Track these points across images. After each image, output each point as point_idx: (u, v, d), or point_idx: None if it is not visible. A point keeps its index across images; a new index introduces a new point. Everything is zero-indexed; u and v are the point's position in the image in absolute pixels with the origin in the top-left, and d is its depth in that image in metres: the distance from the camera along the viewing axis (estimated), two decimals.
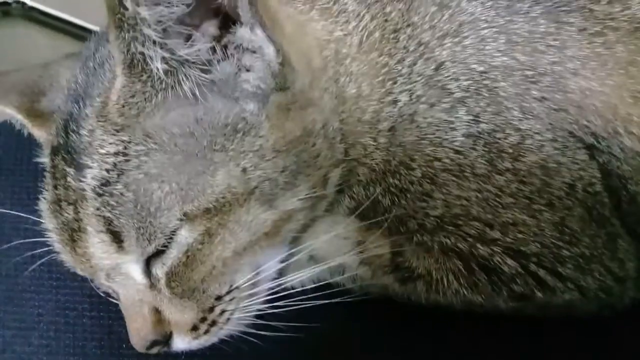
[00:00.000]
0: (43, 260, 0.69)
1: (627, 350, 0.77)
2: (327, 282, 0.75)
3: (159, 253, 0.63)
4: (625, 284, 0.73)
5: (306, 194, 0.67)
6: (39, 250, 0.69)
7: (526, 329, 0.75)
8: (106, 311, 0.73)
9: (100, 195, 0.61)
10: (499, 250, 0.69)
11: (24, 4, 2.12)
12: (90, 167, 0.61)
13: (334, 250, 0.74)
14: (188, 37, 0.59)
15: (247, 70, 0.62)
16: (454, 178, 0.69)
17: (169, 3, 0.54)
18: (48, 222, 0.67)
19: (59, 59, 0.75)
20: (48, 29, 1.91)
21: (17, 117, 0.73)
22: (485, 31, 0.70)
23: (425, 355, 0.75)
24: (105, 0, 0.52)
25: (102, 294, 0.72)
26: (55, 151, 0.66)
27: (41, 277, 0.75)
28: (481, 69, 0.69)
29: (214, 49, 0.61)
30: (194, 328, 0.66)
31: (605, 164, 0.70)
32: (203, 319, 0.65)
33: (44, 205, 0.67)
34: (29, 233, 0.70)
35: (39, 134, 0.72)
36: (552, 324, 0.75)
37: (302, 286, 0.74)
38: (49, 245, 0.68)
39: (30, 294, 0.75)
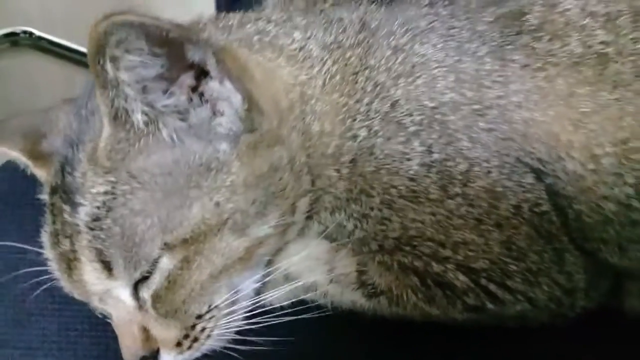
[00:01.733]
0: (46, 286, 0.74)
1: None
2: (301, 299, 0.78)
3: (144, 278, 0.68)
4: (575, 295, 0.76)
5: (276, 222, 0.71)
6: (42, 278, 0.73)
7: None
8: (104, 331, 0.76)
9: (92, 229, 0.66)
10: (451, 267, 0.73)
11: (31, 33, 2.18)
12: (83, 205, 0.67)
13: (307, 270, 0.78)
14: (166, 90, 0.65)
15: (221, 115, 0.67)
16: (409, 203, 0.73)
17: (145, 65, 0.60)
18: (48, 252, 0.72)
19: (58, 104, 0.80)
20: (56, 58, 1.97)
21: (21, 159, 0.78)
22: (436, 71, 0.74)
23: None
24: (90, 64, 0.58)
25: (100, 316, 0.75)
26: (53, 190, 0.71)
27: (45, 301, 0.79)
28: (432, 105, 0.73)
29: (190, 98, 0.66)
30: (178, 344, 0.70)
31: (551, 185, 0.73)
32: (186, 336, 0.70)
33: (44, 238, 0.73)
34: (33, 262, 0.74)
35: (40, 173, 0.77)
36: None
37: (279, 304, 0.78)
38: (50, 273, 0.72)
39: (35, 317, 0.79)
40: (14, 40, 2.22)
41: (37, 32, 2.18)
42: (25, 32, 2.20)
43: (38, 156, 0.78)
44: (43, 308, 0.80)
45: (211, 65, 0.63)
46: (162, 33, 0.59)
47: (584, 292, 0.77)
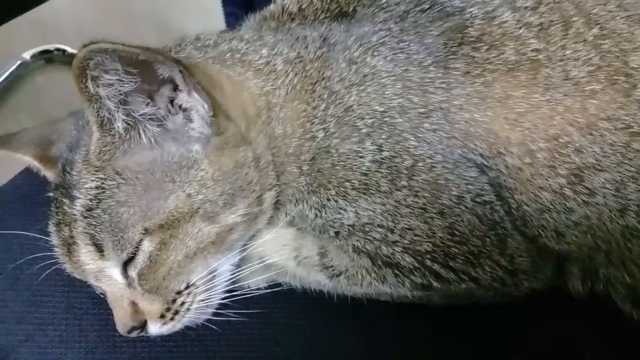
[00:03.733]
0: (51, 270, 0.82)
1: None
2: (276, 282, 0.88)
3: (130, 259, 0.76)
4: (518, 276, 0.82)
5: (244, 211, 0.78)
6: (50, 262, 0.82)
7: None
8: (105, 309, 0.82)
9: (85, 218, 0.75)
10: (399, 250, 0.80)
11: (64, 51, 2.28)
12: (79, 198, 0.76)
13: (277, 255, 0.86)
14: (146, 101, 0.74)
15: (192, 122, 0.76)
16: (362, 195, 0.79)
17: (121, 83, 0.69)
18: (53, 239, 0.81)
19: (65, 116, 0.89)
20: None
21: (34, 163, 0.88)
22: (385, 80, 0.80)
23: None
24: (75, 84, 0.68)
25: (101, 296, 0.83)
26: (56, 187, 0.81)
27: (55, 284, 0.87)
28: (382, 109, 0.79)
29: (169, 107, 0.75)
30: (162, 316, 0.78)
31: (494, 178, 0.79)
32: (168, 309, 0.78)
33: (51, 227, 0.82)
34: (45, 249, 0.82)
35: (49, 174, 0.86)
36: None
37: (256, 286, 0.88)
38: (56, 258, 0.82)
39: (47, 297, 0.86)
40: (48, 57, 2.33)
41: (69, 49, 2.30)
42: (58, 49, 2.31)
43: (47, 160, 0.87)
44: (53, 290, 0.87)
45: (179, 80, 0.72)
46: (132, 56, 0.68)
47: (529, 273, 0.83)
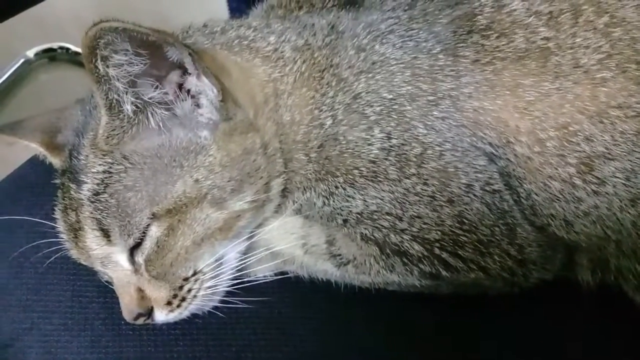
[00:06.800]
0: (59, 256, 0.82)
1: None
2: (283, 271, 0.87)
3: (137, 245, 0.75)
4: (527, 266, 0.82)
5: (252, 198, 0.78)
6: (55, 247, 0.81)
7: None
8: (110, 297, 0.83)
9: (92, 202, 0.74)
10: (407, 238, 0.79)
11: (68, 49, 2.30)
12: (86, 182, 0.75)
13: (284, 243, 0.85)
14: (155, 85, 0.73)
15: (201, 107, 0.76)
16: (370, 182, 0.79)
17: (131, 63, 0.69)
18: (60, 224, 0.81)
19: (71, 104, 0.89)
20: None
21: (40, 150, 0.87)
22: (394, 67, 0.80)
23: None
24: (85, 64, 0.67)
25: (106, 284, 0.82)
26: (63, 172, 0.81)
27: (61, 272, 0.86)
28: (390, 96, 0.79)
29: (177, 93, 0.75)
30: (169, 303, 0.77)
31: (504, 167, 0.79)
32: (175, 296, 0.77)
33: (57, 214, 0.82)
34: (51, 235, 0.82)
35: (56, 161, 0.86)
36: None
37: (263, 275, 0.87)
38: (62, 244, 0.82)
39: (52, 285, 0.86)
40: (51, 55, 2.34)
41: (73, 48, 2.31)
42: (62, 47, 2.32)
43: (54, 147, 0.87)
44: (59, 278, 0.87)
45: (188, 63, 0.72)
46: (142, 36, 0.68)
47: (538, 264, 0.83)
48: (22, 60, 2.30)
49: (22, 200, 0.97)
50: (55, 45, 2.35)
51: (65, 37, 2.32)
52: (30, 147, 0.89)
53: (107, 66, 0.68)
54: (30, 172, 1.02)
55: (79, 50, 2.07)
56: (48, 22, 2.29)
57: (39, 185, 0.97)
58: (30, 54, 2.32)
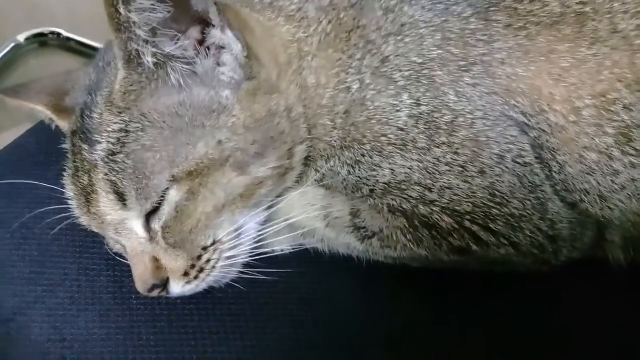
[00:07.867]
0: (65, 227, 0.79)
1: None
2: (302, 245, 0.84)
3: (155, 210, 0.72)
4: (558, 243, 0.79)
5: (274, 165, 0.75)
6: (63, 215, 0.78)
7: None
8: (119, 271, 0.80)
9: (107, 163, 0.71)
10: (437, 210, 0.77)
11: (59, 34, 2.23)
12: (100, 142, 0.72)
13: (305, 214, 0.82)
14: (174, 38, 0.70)
15: (223, 65, 0.73)
16: (398, 151, 0.77)
17: (153, 9, 0.65)
18: (69, 190, 0.77)
19: (80, 66, 0.86)
20: (83, 58, 2.02)
21: (47, 113, 0.84)
22: (424, 30, 0.78)
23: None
24: (106, 9, 0.64)
25: (116, 257, 0.80)
26: (74, 133, 0.77)
27: (67, 245, 0.83)
28: (420, 61, 0.77)
29: (197, 50, 0.71)
30: (186, 274, 0.74)
31: (536, 138, 0.77)
32: (192, 266, 0.74)
33: (66, 179, 0.78)
34: (57, 201, 0.79)
35: (63, 125, 0.83)
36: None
37: (282, 250, 0.84)
38: (70, 211, 0.78)
39: (57, 258, 0.82)
40: (42, 41, 2.26)
41: (64, 33, 2.24)
42: (53, 33, 2.24)
43: (62, 110, 0.83)
44: (65, 251, 0.83)
45: (213, 14, 0.69)
46: None
47: (568, 241, 0.80)
48: (12, 45, 2.23)
49: (23, 169, 0.92)
50: (46, 30, 2.29)
51: (57, 22, 2.27)
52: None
53: (130, 11, 0.65)
54: (30, 140, 0.98)
55: (70, 35, 2.04)
56: (39, 7, 2.24)
57: (41, 153, 0.94)
58: (21, 38, 2.25)
